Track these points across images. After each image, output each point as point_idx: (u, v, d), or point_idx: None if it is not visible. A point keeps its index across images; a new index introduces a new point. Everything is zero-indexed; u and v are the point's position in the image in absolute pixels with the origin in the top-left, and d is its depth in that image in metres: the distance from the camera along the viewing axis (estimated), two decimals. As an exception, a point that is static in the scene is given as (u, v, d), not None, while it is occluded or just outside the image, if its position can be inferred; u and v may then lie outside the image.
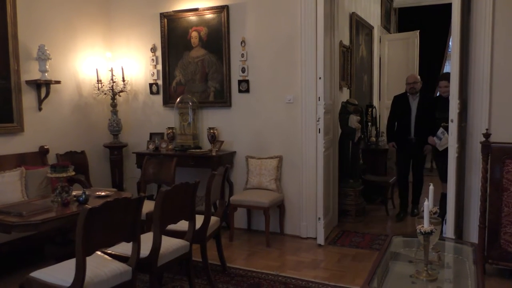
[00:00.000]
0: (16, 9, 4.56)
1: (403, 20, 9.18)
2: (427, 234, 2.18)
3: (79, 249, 2.35)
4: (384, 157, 6.35)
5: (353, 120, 5.41)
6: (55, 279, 2.48)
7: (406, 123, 5.34)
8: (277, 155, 4.87)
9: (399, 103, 5.48)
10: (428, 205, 2.22)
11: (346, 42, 6.03)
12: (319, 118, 4.44)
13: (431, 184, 2.56)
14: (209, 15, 5.18)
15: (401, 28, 9.03)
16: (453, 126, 3.78)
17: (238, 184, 5.09)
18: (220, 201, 3.93)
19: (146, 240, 2.86)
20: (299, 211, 4.78)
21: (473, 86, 3.93)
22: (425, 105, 5.22)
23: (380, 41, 7.94)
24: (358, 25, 6.59)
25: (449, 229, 3.85)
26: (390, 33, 8.71)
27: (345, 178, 5.43)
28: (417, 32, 7.76)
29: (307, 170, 4.70)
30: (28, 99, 4.74)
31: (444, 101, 4.20)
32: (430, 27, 8.36)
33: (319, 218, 4.49)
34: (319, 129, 4.45)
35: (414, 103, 5.35)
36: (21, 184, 4.16)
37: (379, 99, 8.01)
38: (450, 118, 3.80)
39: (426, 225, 2.19)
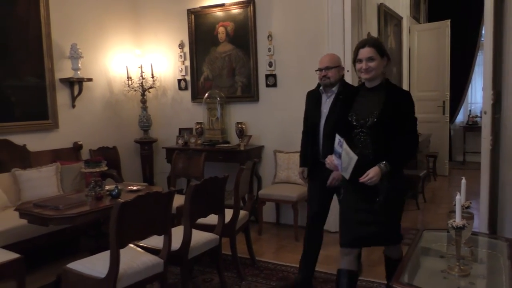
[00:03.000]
0: (49, 9, 4.70)
1: (433, 9, 8.95)
2: (459, 229, 2.14)
3: (113, 242, 2.42)
4: (414, 150, 6.22)
5: (382, 113, 5.32)
6: (90, 270, 2.57)
7: (314, 135, 3.28)
8: (305, 149, 4.85)
9: (309, 103, 3.44)
10: (460, 199, 2.18)
11: (374, 33, 5.93)
12: (347, 112, 4.38)
13: (463, 178, 2.51)
14: (235, 10, 5.19)
15: (431, 18, 8.80)
16: (486, 118, 3.68)
17: (266, 178, 5.11)
18: (248, 195, 3.97)
19: (177, 234, 2.92)
20: (327, 205, 4.76)
21: (508, 76, 3.80)
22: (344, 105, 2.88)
23: (409, 32, 7.77)
24: (387, 16, 6.47)
25: (482, 224, 3.76)
26: (420, 23, 8.51)
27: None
28: (448, 22, 7.55)
29: (335, 164, 4.67)
30: (62, 96, 4.89)
31: (363, 92, 2.62)
32: (462, 16, 8.12)
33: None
34: (347, 122, 4.39)
35: (326, 103, 3.21)
36: (57, 179, 4.31)
37: (409, 91, 7.85)
38: (483, 110, 3.69)
39: (458, 220, 2.15)
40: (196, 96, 5.56)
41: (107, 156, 4.77)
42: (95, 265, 2.60)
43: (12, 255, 2.90)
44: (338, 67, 3.20)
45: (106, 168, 3.58)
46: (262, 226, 4.73)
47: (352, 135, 2.55)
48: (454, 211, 2.20)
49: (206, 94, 5.33)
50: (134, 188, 3.67)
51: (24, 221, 3.25)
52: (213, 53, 5.40)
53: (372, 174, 2.39)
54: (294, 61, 4.87)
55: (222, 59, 5.35)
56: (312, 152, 3.29)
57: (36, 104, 4.63)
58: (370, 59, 2.49)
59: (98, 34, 5.31)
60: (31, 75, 4.59)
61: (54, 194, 4.02)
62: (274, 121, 5.06)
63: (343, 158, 2.44)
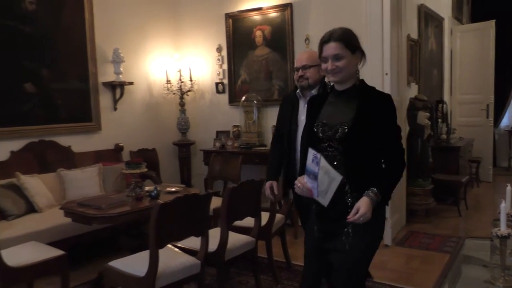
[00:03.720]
0: (93, 15, 4.88)
1: (477, 9, 8.65)
2: (504, 238, 2.06)
3: (152, 242, 2.48)
4: (456, 155, 6.04)
5: (422, 117, 5.20)
6: (130, 269, 2.64)
7: (290, 150, 2.77)
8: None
9: (283, 110, 2.94)
10: (505, 207, 2.10)
11: (414, 35, 5.80)
12: (385, 115, 4.31)
13: (509, 185, 2.41)
14: (272, 14, 5.22)
15: (475, 18, 8.51)
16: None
17: (302, 182, 5.08)
18: (284, 198, 3.96)
19: (214, 235, 2.96)
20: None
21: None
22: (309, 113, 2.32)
23: (451, 33, 7.55)
24: (427, 17, 6.32)
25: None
26: (462, 24, 8.25)
27: (413, 177, 5.24)
28: (493, 22, 7.27)
29: (373, 168, 4.60)
30: (105, 99, 5.06)
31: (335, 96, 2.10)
32: (507, 16, 7.81)
33: (386, 218, 4.37)
34: (386, 126, 4.32)
35: (304, 110, 2.56)
36: (99, 179, 4.46)
37: (451, 95, 7.63)
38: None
39: (503, 228, 2.08)
40: (233, 99, 5.61)
41: (147, 157, 4.88)
42: (135, 264, 2.68)
43: (57, 252, 3.02)
44: (318, 66, 2.45)
45: (146, 169, 3.67)
46: (298, 230, 4.71)
47: (319, 150, 1.97)
48: (498, 219, 2.12)
49: (243, 97, 5.37)
50: (173, 189, 3.74)
51: (68, 220, 3.38)
52: (250, 56, 5.44)
53: (364, 209, 1.85)
54: (331, 64, 4.83)
55: (259, 62, 5.39)
56: (288, 172, 2.78)
57: (80, 107, 4.82)
58: (337, 57, 1.94)
59: (139, 39, 5.47)
60: (76, 79, 4.79)
61: (96, 194, 4.16)
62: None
63: (320, 179, 1.87)
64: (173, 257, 2.79)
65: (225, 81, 5.69)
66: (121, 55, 5.04)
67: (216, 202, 3.65)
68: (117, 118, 5.20)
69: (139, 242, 3.33)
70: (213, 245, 2.93)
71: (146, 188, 3.57)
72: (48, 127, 4.52)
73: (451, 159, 6.05)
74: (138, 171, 3.54)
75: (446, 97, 7.31)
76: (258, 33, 5.36)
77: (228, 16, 5.54)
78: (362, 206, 1.86)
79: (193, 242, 2.97)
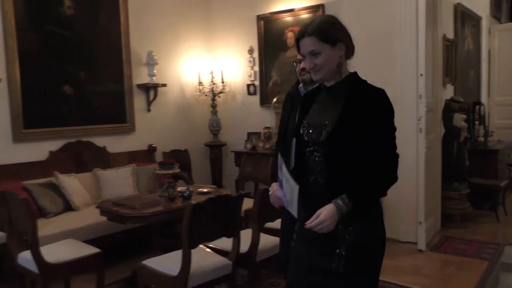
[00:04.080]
0: (128, 19, 5.00)
1: (517, 8, 8.36)
2: (547, 245, 1.98)
3: (185, 242, 2.52)
4: (494, 158, 5.84)
5: (458, 119, 5.06)
6: (163, 268, 2.69)
7: (287, 154, 2.24)
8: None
9: (284, 109, 2.67)
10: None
11: (450, 35, 5.65)
12: (420, 117, 4.23)
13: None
14: (304, 15, 5.19)
15: (515, 17, 8.22)
16: None
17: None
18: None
19: (245, 237, 2.96)
20: (397, 214, 4.60)
21: None
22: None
23: (489, 33, 7.31)
24: (464, 16, 6.14)
25: None
26: (501, 23, 7.98)
27: (449, 180, 5.10)
28: (535, 21, 7.02)
29: (406, 171, 4.49)
30: (139, 101, 5.17)
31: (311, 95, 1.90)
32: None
33: (420, 222, 4.28)
34: (420, 128, 4.24)
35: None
36: (133, 179, 4.56)
37: (488, 96, 7.38)
38: None
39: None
40: (264, 101, 5.62)
41: (179, 158, 4.95)
42: (168, 263, 2.72)
43: (93, 250, 3.10)
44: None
45: (178, 170, 3.72)
46: (328, 233, 4.67)
47: (306, 155, 1.76)
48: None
49: (275, 99, 5.37)
50: (205, 190, 3.78)
51: (104, 218, 3.47)
52: (281, 58, 5.44)
53: (323, 216, 1.60)
54: (363, 65, 4.69)
55: (291, 64, 5.35)
56: None
57: (115, 108, 4.94)
58: (313, 53, 1.71)
59: (172, 42, 5.56)
60: (112, 81, 4.91)
61: (130, 193, 4.25)
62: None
63: (284, 187, 1.71)
64: (205, 257, 2.81)
65: (257, 82, 5.70)
66: (155, 57, 5.13)
67: (247, 203, 3.66)
68: (151, 119, 5.30)
69: (172, 242, 3.39)
70: (244, 246, 2.94)
71: (179, 189, 3.62)
72: (84, 128, 4.66)
73: (489, 162, 5.84)
74: (171, 171, 3.60)
75: (483, 99, 7.07)
76: (289, 34, 5.35)
77: (259, 18, 5.56)
78: (323, 212, 1.60)
79: (225, 242, 2.99)
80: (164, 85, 5.32)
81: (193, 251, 2.57)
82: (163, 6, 5.44)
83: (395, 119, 1.74)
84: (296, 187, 1.62)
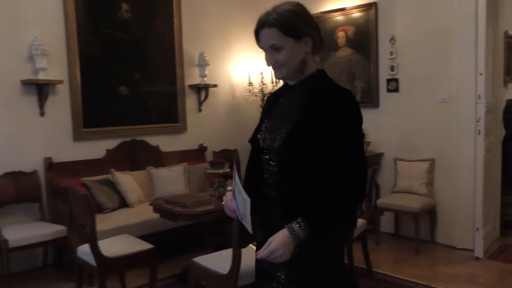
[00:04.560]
0: (181, 21, 5.12)
1: None
2: None
3: (235, 241, 2.54)
4: (560, 162, 5.48)
5: (521, 120, 4.79)
6: (214, 265, 2.73)
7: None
8: (429, 157, 4.56)
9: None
10: None
11: (513, 32, 5.36)
12: (479, 118, 4.04)
13: None
14: (356, 14, 5.10)
15: None
16: None
17: (384, 187, 4.92)
18: (366, 203, 3.86)
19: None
20: (453, 219, 4.42)
21: None
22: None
23: (557, 29, 6.85)
24: (529, 12, 5.79)
25: None
26: None
27: (509, 185, 4.84)
28: None
29: (463, 175, 4.31)
30: (190, 101, 5.29)
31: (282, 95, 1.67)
32: None
33: (477, 229, 4.08)
34: (479, 130, 4.05)
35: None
36: (184, 178, 4.67)
37: (555, 96, 6.93)
38: None
39: None
40: (314, 101, 5.57)
41: (228, 158, 5.02)
42: (218, 261, 2.76)
43: (146, 245, 3.20)
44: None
45: (228, 170, 3.76)
46: (379, 236, 4.56)
47: (262, 164, 1.56)
48: None
49: (324, 99, 5.31)
50: (254, 190, 3.80)
51: (156, 215, 3.57)
52: (332, 58, 5.37)
53: (274, 244, 1.38)
54: (418, 65, 4.62)
55: (342, 64, 5.30)
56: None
57: (168, 109, 5.08)
58: (274, 48, 1.49)
59: (223, 43, 5.64)
60: (165, 82, 5.05)
61: (182, 191, 4.35)
62: (395, 128, 4.85)
63: (237, 198, 1.52)
64: (254, 256, 2.82)
65: (306, 83, 5.66)
66: (206, 58, 5.23)
67: (296, 204, 3.65)
68: (202, 119, 5.41)
69: (222, 240, 3.43)
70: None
71: (229, 188, 3.65)
72: (139, 128, 4.82)
73: (555, 167, 5.48)
74: (221, 171, 3.64)
75: (549, 99, 6.65)
76: (340, 34, 5.27)
77: (310, 17, 5.52)
78: (274, 240, 1.38)
79: (274, 243, 2.99)
80: (215, 85, 5.41)
81: (243, 250, 2.59)
82: (215, 8, 5.53)
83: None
84: (247, 201, 1.43)
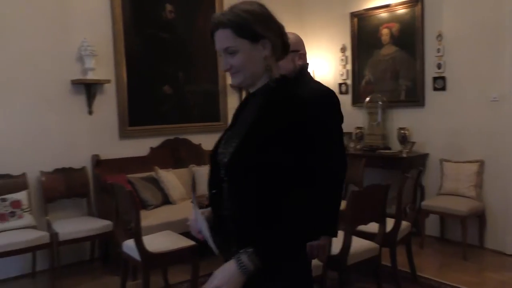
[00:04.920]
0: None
1: None
2: None
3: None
4: None
5: None
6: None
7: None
8: (478, 159, 4.38)
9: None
10: None
11: None
12: (533, 119, 3.84)
13: None
14: (401, 10, 4.97)
15: None
16: None
17: (430, 189, 4.76)
18: (411, 205, 3.76)
19: (336, 238, 2.90)
20: (504, 224, 4.22)
21: None
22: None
23: None
24: None
25: None
26: None
27: None
28: None
29: (515, 178, 4.11)
30: (232, 100, 5.33)
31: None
32: None
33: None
34: (534, 131, 3.85)
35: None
36: (226, 176, 4.70)
37: None
38: None
39: None
40: (357, 100, 5.48)
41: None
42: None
43: (189, 242, 3.24)
44: (293, 52, 1.97)
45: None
46: (424, 240, 4.42)
47: (219, 181, 1.37)
48: None
49: (368, 98, 5.21)
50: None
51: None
52: (375, 55, 5.26)
53: (217, 281, 1.21)
54: (467, 62, 4.44)
55: (385, 61, 5.17)
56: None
57: (210, 107, 5.15)
58: (229, 51, 1.34)
59: (265, 42, 5.64)
60: (207, 81, 5.12)
61: (223, 190, 4.38)
62: (442, 128, 4.68)
63: (198, 219, 1.39)
64: None
65: (349, 81, 5.58)
66: (248, 57, 5.25)
67: (338, 205, 3.60)
68: (242, 118, 5.43)
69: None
70: (335, 248, 2.89)
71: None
72: (182, 126, 4.91)
73: None
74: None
75: None
76: (384, 31, 5.15)
77: (353, 15, 5.42)
78: (218, 276, 1.21)
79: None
80: (256, 84, 5.42)
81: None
82: (257, 7, 5.54)
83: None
84: (204, 223, 1.32)
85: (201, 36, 5.02)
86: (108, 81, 4.32)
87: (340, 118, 1.99)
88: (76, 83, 4.19)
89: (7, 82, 3.89)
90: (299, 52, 2.14)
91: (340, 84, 5.66)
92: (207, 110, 5.13)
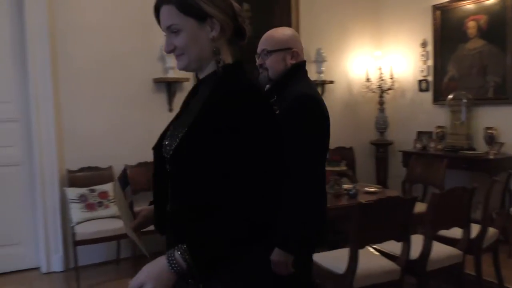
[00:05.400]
0: (299, 18, 5.15)
1: None
2: None
3: (352, 241, 2.49)
4: None
5: None
6: (329, 264, 2.70)
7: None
8: None
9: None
10: None
11: None
12: None
13: None
14: (489, 1, 4.62)
15: None
16: None
17: (520, 193, 4.40)
18: (499, 211, 3.50)
19: (414, 242, 2.78)
20: None
21: None
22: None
23: None
24: None
25: None
26: None
27: None
28: None
29: None
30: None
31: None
32: None
33: None
34: None
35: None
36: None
37: None
38: None
39: None
40: (438, 98, 5.19)
41: (343, 156, 4.92)
42: (334, 260, 2.72)
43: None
44: (283, 50, 1.95)
45: (345, 167, 3.70)
46: (513, 248, 4.10)
47: (166, 176, 1.30)
48: None
49: (451, 96, 4.91)
50: (371, 190, 3.68)
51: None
52: (460, 50, 4.94)
53: (143, 276, 1.11)
54: None
55: (471, 56, 4.85)
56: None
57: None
58: (172, 30, 1.23)
59: (341, 38, 5.54)
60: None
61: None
62: (536, 127, 4.31)
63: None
64: (372, 259, 2.74)
65: (430, 78, 5.30)
66: (323, 54, 5.19)
67: (416, 207, 3.44)
68: (317, 116, 5.37)
69: (336, 239, 3.38)
70: (413, 252, 2.77)
71: (345, 186, 3.59)
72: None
73: None
74: (338, 168, 3.60)
75: None
76: (471, 24, 4.83)
77: (435, 7, 5.14)
78: (146, 270, 1.12)
79: (392, 246, 2.86)
80: (331, 82, 5.35)
81: (361, 251, 2.52)
82: (332, 3, 5.45)
83: None
84: (127, 223, 1.21)
85: (276, 33, 5.04)
86: (187, 79, 4.48)
87: (314, 126, 1.86)
88: (157, 82, 4.40)
89: (98, 81, 4.19)
90: (292, 50, 1.98)
91: (420, 81, 5.40)
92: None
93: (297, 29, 5.13)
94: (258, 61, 2.02)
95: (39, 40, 3.89)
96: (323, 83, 5.27)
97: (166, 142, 1.29)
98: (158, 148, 1.32)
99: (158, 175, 1.33)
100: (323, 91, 5.32)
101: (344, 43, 5.58)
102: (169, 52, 1.25)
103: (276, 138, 1.19)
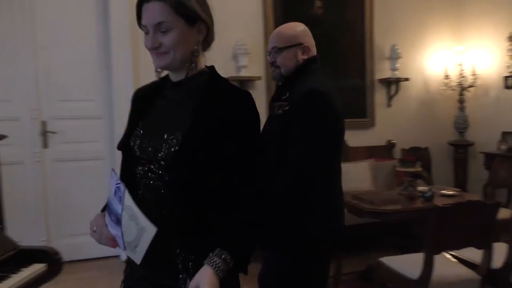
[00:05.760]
0: (373, 14, 5.00)
1: None
2: None
3: (428, 246, 2.38)
4: None
5: None
6: (402, 269, 2.60)
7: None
8: None
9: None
10: None
11: None
12: None
13: None
14: None
15: None
16: None
17: None
18: None
19: (497, 251, 2.60)
20: None
21: None
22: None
23: None
24: None
25: None
26: None
27: None
28: None
29: None
30: (379, 96, 5.15)
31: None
32: None
33: None
34: None
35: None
36: (371, 174, 4.57)
37: None
38: None
39: None
40: (526, 96, 4.80)
41: (418, 156, 4.69)
42: (407, 265, 2.62)
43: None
44: (294, 46, 1.90)
45: (420, 168, 3.55)
46: None
47: (137, 177, 1.28)
48: None
49: (541, 94, 4.53)
50: (449, 193, 3.49)
51: (342, 209, 3.58)
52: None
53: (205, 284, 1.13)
54: None
55: None
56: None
57: (356, 103, 5.04)
58: (161, 27, 1.21)
59: (417, 34, 5.30)
60: (354, 76, 5.02)
61: (367, 188, 4.26)
62: None
63: (125, 225, 1.17)
64: (449, 266, 2.60)
65: (517, 74, 4.91)
66: (398, 51, 5.00)
67: (500, 213, 3.21)
68: (391, 114, 5.20)
69: (407, 243, 3.26)
70: (496, 261, 2.59)
71: (419, 188, 3.44)
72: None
73: None
74: (412, 169, 3.46)
75: None
76: None
77: (526, -2, 4.76)
78: (203, 283, 1.11)
79: (471, 253, 2.70)
80: (406, 79, 5.14)
81: (436, 257, 2.41)
82: (409, -3, 5.24)
83: None
84: (151, 231, 1.13)
85: (349, 30, 4.96)
86: (259, 78, 4.53)
87: (320, 121, 1.80)
88: (230, 80, 4.47)
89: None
90: (303, 45, 1.93)
91: (506, 78, 5.01)
92: (353, 106, 5.01)
93: (371, 26, 5.01)
94: (269, 59, 1.99)
95: (123, 40, 4.09)
96: (397, 81, 5.08)
97: (141, 142, 1.27)
98: (126, 148, 1.31)
99: (128, 177, 1.29)
100: (397, 89, 5.14)
101: (421, 38, 5.33)
102: (152, 48, 1.24)
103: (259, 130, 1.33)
